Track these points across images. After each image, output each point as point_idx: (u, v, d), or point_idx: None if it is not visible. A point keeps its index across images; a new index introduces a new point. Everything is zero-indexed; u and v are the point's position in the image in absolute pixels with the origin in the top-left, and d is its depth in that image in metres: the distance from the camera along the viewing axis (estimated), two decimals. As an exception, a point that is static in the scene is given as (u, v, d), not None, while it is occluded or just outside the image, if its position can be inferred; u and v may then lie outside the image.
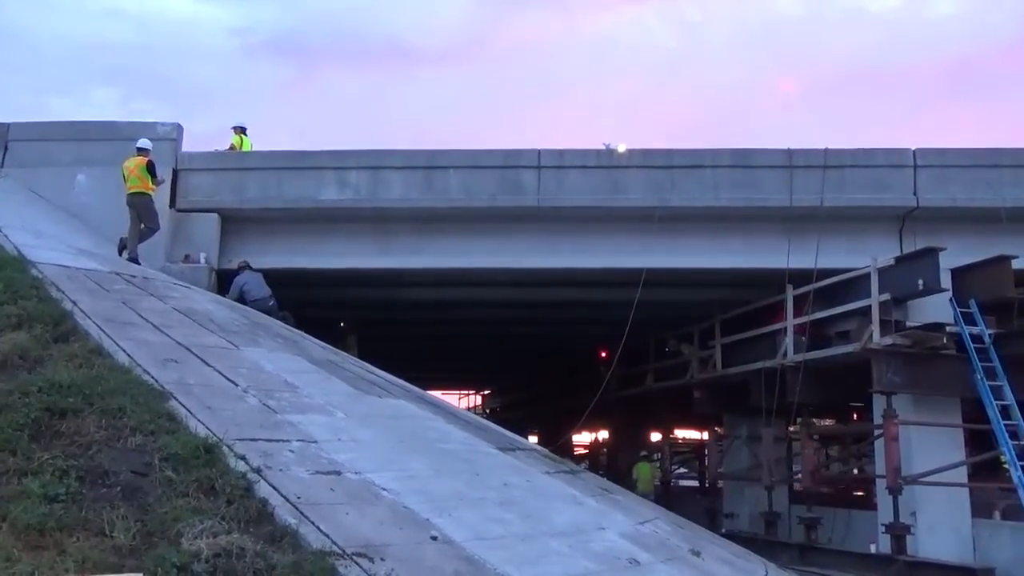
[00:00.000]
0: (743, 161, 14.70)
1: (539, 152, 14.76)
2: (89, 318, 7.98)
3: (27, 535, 4.44)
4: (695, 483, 26.97)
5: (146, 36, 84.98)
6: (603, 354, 22.51)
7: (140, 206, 13.11)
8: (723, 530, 16.30)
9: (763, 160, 14.68)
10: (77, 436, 5.56)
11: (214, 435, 5.88)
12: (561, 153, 14.92)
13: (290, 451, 6.15)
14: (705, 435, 24.23)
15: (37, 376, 6.34)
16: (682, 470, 28.72)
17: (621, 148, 14.96)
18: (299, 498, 5.35)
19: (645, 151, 15.07)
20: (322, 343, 11.25)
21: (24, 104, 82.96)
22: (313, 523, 5.08)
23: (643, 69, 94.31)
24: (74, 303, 8.29)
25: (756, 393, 15.86)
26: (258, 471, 5.54)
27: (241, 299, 12.93)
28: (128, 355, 7.24)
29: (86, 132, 15.00)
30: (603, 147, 15.07)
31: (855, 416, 20.51)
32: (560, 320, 20.94)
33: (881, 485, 13.36)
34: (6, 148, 14.88)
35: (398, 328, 21.75)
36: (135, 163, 13.17)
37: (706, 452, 23.84)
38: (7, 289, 8.23)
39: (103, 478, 5.14)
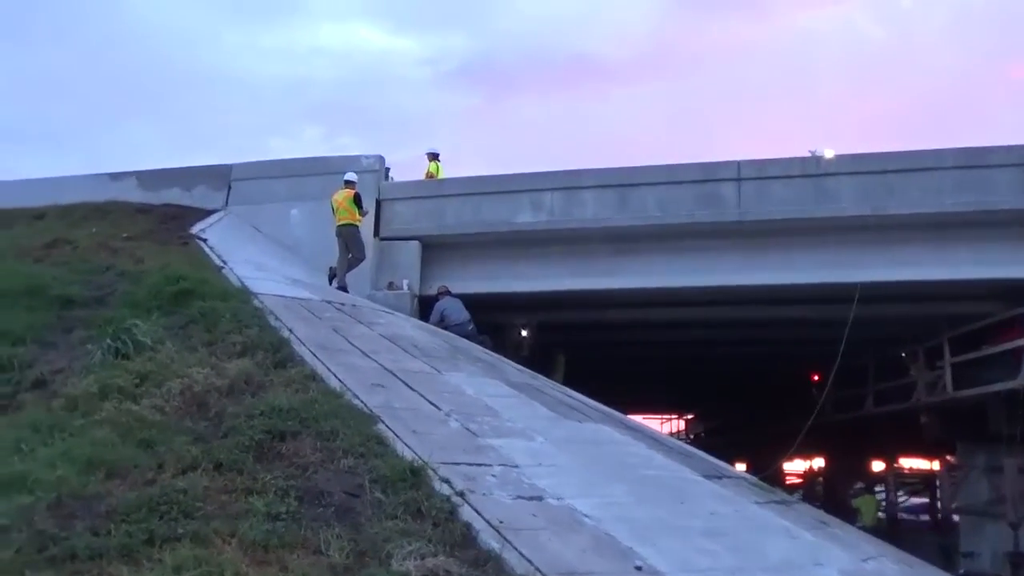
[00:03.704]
0: (971, 161, 13.58)
1: (739, 163, 14.40)
2: (304, 345, 8.63)
3: (253, 551, 4.82)
4: (925, 517, 25.10)
5: (347, 72, 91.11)
6: (816, 376, 21.49)
7: (348, 236, 14.00)
8: (960, 571, 15.09)
9: (996, 159, 13.50)
10: (296, 458, 6.01)
11: (420, 458, 6.13)
12: (763, 163, 14.47)
13: (492, 475, 6.30)
14: (935, 464, 22.54)
15: (260, 400, 6.93)
16: (910, 503, 26.83)
17: (828, 154, 14.32)
18: (501, 522, 5.46)
19: (856, 156, 14.32)
20: (519, 366, 11.48)
21: (245, 145, 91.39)
22: (516, 548, 5.17)
23: (849, 67, 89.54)
24: (290, 331, 8.99)
25: (995, 418, 14.60)
26: (462, 495, 5.72)
27: (441, 324, 13.45)
28: (339, 380, 7.74)
29: (298, 168, 16.29)
30: (808, 154, 14.50)
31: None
32: (767, 340, 20.23)
33: None
34: (230, 187, 16.49)
35: (596, 351, 21.79)
36: (343, 195, 14.09)
37: (937, 483, 22.18)
38: (233, 318, 9.09)
39: (319, 498, 5.50)
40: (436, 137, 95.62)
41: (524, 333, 17.00)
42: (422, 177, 17.45)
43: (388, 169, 16.79)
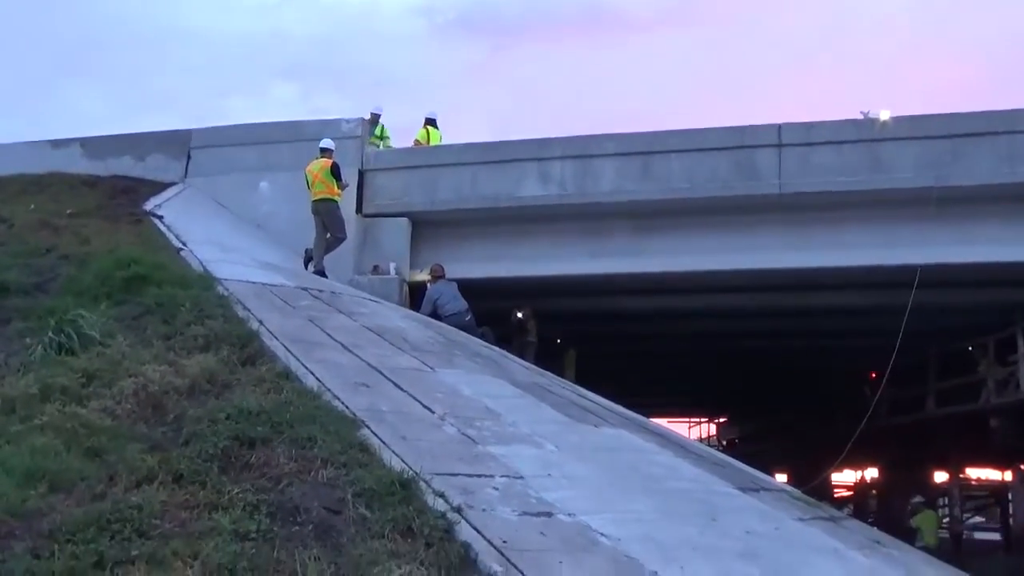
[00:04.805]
0: (1052, 124, 13.56)
1: (779, 127, 14.35)
2: (276, 338, 8.64)
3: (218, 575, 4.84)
4: (995, 536, 25.18)
5: (326, 25, 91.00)
6: (869, 374, 21.50)
7: (326, 213, 13.99)
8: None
9: (1078, 121, 13.49)
10: (267, 468, 6.02)
11: (410, 468, 6.15)
12: (807, 127, 14.41)
13: (494, 488, 6.31)
14: (1007, 475, 22.57)
15: (225, 402, 6.95)
16: (977, 519, 26.88)
17: (884, 116, 14.26)
18: (505, 543, 5.47)
19: (916, 118, 14.26)
20: (526, 363, 11.48)
21: (205, 108, 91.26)
22: (522, 572, 5.17)
23: (907, 17, 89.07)
24: (260, 322, 9.01)
25: (1077, 422, 14.60)
26: (459, 510, 5.73)
27: (435, 313, 13.46)
28: (317, 379, 7.75)
29: (268, 135, 16.25)
30: (861, 116, 14.44)
31: None
32: (812, 332, 20.21)
33: None
34: (189, 156, 16.48)
35: (614, 345, 21.81)
36: (319, 166, 14.06)
37: (1009, 497, 22.21)
38: (194, 308, 9.12)
39: (294, 515, 5.51)
40: (432, 98, 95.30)
41: (520, 315, 16.99)
42: (410, 144, 17.38)
43: (379, 116, 16.79)
